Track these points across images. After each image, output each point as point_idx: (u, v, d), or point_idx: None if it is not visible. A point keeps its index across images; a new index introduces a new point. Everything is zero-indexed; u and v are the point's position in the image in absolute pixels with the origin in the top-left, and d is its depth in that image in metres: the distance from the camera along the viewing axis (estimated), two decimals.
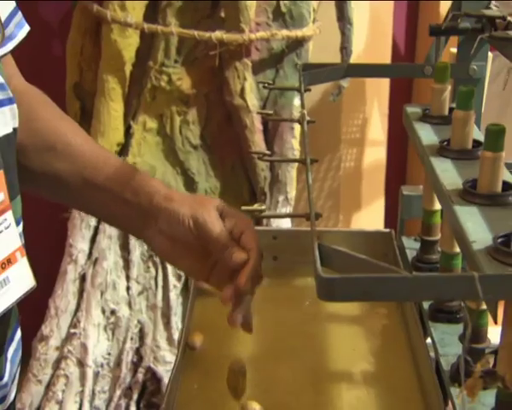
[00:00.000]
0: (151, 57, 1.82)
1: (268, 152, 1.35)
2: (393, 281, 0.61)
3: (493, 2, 1.13)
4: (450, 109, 1.06)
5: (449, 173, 0.91)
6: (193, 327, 1.08)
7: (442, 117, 1.08)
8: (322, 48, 1.87)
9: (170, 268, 1.87)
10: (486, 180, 0.82)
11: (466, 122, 0.97)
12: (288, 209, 1.85)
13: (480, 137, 0.96)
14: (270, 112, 1.31)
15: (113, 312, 1.86)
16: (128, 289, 1.88)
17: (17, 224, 0.77)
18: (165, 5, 1.77)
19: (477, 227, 0.75)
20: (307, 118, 0.96)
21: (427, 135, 1.04)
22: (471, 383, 0.64)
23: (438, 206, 1.14)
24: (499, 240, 0.70)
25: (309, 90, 1.11)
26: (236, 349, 1.06)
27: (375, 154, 2.35)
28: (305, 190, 2.27)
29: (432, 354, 0.99)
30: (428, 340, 1.02)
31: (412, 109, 1.15)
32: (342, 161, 2.30)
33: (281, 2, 1.77)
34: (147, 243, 0.91)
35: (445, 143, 0.98)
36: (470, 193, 0.83)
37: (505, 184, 0.84)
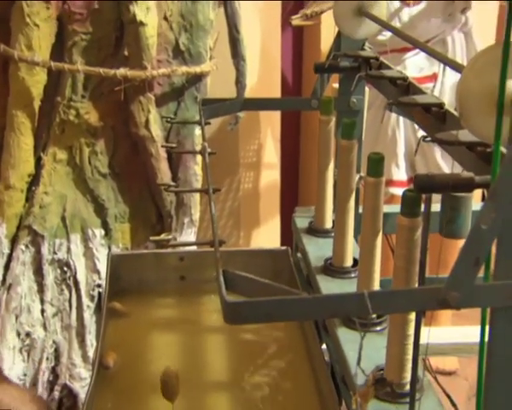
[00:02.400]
0: (59, 93, 1.77)
1: (173, 183, 1.33)
2: (294, 303, 0.61)
3: (367, 44, 1.16)
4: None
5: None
6: (106, 347, 1.05)
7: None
8: (219, 82, 1.87)
9: (83, 290, 1.81)
10: (370, 206, 0.84)
11: (350, 150, 0.99)
12: (193, 230, 1.83)
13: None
14: (174, 145, 1.29)
15: (28, 334, 1.78)
16: (43, 311, 1.80)
17: None
18: (70, 44, 1.72)
19: None
20: (208, 149, 0.95)
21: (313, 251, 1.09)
22: (364, 391, 0.65)
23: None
24: None
25: (208, 123, 1.10)
26: (149, 369, 1.03)
27: (270, 176, 2.38)
28: (207, 212, 2.26)
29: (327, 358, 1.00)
30: (324, 346, 1.03)
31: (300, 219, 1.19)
32: (241, 183, 2.32)
33: (180, 42, 1.76)
34: None
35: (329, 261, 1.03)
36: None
37: None
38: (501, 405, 0.65)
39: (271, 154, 2.37)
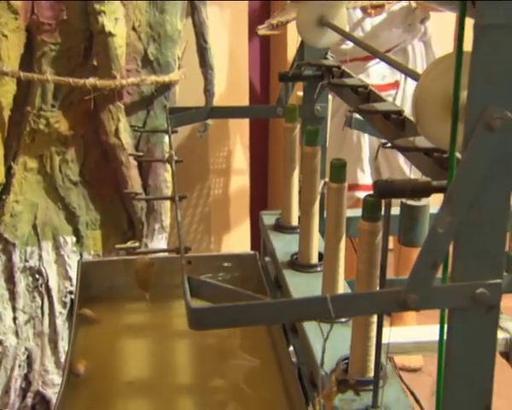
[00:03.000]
0: (29, 102, 1.74)
1: (139, 192, 1.31)
2: (257, 308, 0.61)
3: (329, 53, 1.17)
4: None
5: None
6: (76, 354, 1.03)
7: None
8: (188, 90, 1.86)
9: (55, 297, 1.78)
10: (333, 211, 0.84)
11: (314, 156, 0.99)
12: (164, 236, 1.81)
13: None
14: (141, 153, 1.28)
15: (0, 342, 1.74)
16: (15, 319, 1.77)
17: None
18: (40, 55, 1.69)
19: None
20: (175, 158, 0.94)
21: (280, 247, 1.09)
22: (327, 392, 0.64)
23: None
24: None
25: (176, 131, 1.09)
26: (119, 374, 1.01)
27: (240, 181, 2.37)
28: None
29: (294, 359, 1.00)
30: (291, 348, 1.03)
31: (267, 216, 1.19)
32: (211, 188, 2.30)
33: (148, 51, 1.74)
34: None
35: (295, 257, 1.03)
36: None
37: None
38: (459, 399, 0.65)
39: (241, 160, 2.37)
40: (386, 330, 0.72)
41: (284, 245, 1.11)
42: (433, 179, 0.68)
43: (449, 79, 0.61)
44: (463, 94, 0.59)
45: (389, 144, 0.78)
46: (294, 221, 1.15)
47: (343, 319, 0.87)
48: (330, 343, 0.69)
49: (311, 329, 0.87)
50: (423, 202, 0.67)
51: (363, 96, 0.96)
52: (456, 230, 0.60)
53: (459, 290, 0.61)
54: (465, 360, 0.64)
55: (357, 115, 1.20)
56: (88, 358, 1.02)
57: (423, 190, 0.66)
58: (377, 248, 0.73)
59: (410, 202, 0.66)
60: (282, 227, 1.16)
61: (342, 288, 0.90)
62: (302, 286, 0.98)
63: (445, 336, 0.64)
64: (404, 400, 0.72)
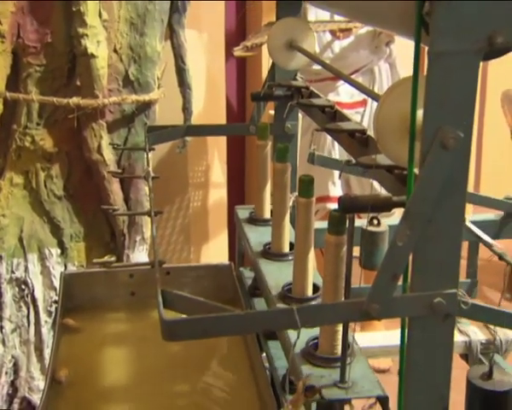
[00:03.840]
0: (15, 121, 1.72)
1: (121, 205, 1.30)
2: (227, 319, 0.60)
3: (299, 74, 1.17)
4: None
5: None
6: (59, 362, 1.01)
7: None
8: (168, 109, 1.86)
9: (41, 306, 1.76)
10: (302, 224, 0.83)
11: (284, 172, 0.99)
12: (145, 247, 1.79)
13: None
14: (120, 171, 1.27)
15: None
16: (1, 328, 1.74)
17: None
18: (25, 76, 1.67)
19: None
20: (152, 174, 0.94)
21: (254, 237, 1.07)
22: (294, 399, 0.64)
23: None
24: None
25: (153, 149, 1.08)
26: (100, 382, 1.00)
27: (218, 194, 2.37)
28: (159, 229, 2.23)
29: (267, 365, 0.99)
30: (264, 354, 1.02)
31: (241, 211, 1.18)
32: (191, 201, 2.29)
33: (129, 72, 1.73)
34: None
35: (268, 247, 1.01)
36: None
37: None
38: (419, 402, 0.65)
39: (218, 174, 2.36)
40: (356, 336, 0.72)
41: (258, 236, 1.10)
42: (394, 195, 0.68)
43: (406, 101, 0.61)
44: (420, 114, 0.60)
45: (353, 162, 0.78)
46: (267, 214, 1.14)
47: (313, 302, 0.85)
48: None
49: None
50: (382, 228, 0.67)
51: (330, 115, 0.96)
52: (415, 243, 0.60)
53: (418, 300, 0.61)
54: (424, 366, 0.63)
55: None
56: (70, 366, 1.01)
57: (384, 206, 0.66)
58: (342, 260, 0.73)
59: (371, 228, 0.67)
60: (255, 220, 1.15)
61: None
62: (275, 273, 0.96)
63: (405, 343, 0.64)
64: (371, 375, 0.72)
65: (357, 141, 0.84)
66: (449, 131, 0.57)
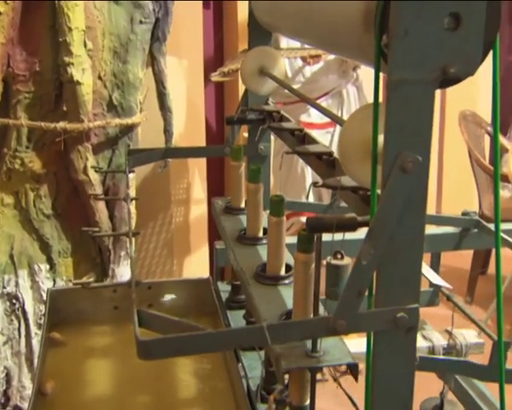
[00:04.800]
0: (5, 145, 1.68)
1: (96, 229, 1.27)
2: (200, 338, 0.57)
3: (270, 99, 1.15)
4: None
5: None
6: (45, 375, 0.98)
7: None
8: (150, 131, 1.84)
9: (31, 319, 1.72)
10: (273, 242, 0.81)
11: (256, 192, 0.97)
12: (129, 262, 1.76)
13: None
14: (100, 193, 1.24)
15: None
16: None
17: None
18: (15, 102, 1.64)
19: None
20: (131, 196, 0.91)
21: (229, 226, 1.04)
22: None
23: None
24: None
25: (133, 171, 1.06)
26: (85, 393, 0.96)
27: (199, 210, 2.34)
28: (144, 243, 2.20)
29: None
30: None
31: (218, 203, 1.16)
32: (173, 217, 2.27)
33: (113, 97, 1.71)
34: None
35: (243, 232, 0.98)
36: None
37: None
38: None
39: (199, 191, 2.34)
40: None
41: (233, 223, 1.06)
42: (359, 214, 0.66)
43: (368, 126, 0.60)
44: (381, 139, 0.58)
45: (320, 183, 0.76)
46: (242, 204, 1.11)
47: (286, 281, 0.83)
48: (274, 300, 0.65)
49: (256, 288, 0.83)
50: (346, 261, 0.65)
51: (299, 138, 0.95)
52: (378, 261, 0.59)
53: (382, 315, 0.59)
54: (388, 376, 0.62)
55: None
56: (56, 378, 0.98)
57: (349, 225, 0.64)
58: (311, 277, 0.71)
59: (335, 262, 0.65)
60: (231, 209, 1.11)
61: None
62: (250, 256, 0.92)
63: (371, 355, 0.62)
64: (341, 346, 0.69)
65: (324, 163, 0.83)
66: (408, 155, 0.56)
